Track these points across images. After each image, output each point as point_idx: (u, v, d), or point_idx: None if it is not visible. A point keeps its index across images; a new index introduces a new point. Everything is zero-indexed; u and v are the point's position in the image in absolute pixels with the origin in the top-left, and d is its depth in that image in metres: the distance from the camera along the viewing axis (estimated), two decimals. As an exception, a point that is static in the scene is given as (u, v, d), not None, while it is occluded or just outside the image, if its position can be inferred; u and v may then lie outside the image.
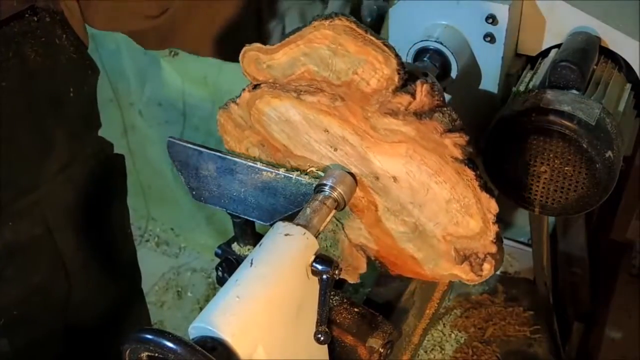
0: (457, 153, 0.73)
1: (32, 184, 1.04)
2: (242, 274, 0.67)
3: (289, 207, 0.80)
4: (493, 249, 0.77)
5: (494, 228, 0.76)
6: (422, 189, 0.76)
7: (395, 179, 0.77)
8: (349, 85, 0.74)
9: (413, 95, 0.72)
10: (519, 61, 1.08)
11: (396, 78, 0.72)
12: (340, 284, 0.92)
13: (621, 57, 1.02)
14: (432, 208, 0.77)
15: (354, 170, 0.79)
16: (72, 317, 1.19)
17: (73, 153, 1.09)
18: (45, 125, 1.03)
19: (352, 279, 0.87)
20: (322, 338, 0.71)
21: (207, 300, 2.34)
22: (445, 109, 0.74)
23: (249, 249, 0.92)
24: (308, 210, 0.74)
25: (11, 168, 0.99)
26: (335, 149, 0.79)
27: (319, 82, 0.76)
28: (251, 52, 0.80)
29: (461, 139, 0.72)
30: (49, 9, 0.99)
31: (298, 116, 0.80)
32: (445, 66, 1.02)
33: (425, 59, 1.02)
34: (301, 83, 0.78)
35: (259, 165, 0.81)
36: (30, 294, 1.10)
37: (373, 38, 0.72)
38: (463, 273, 0.80)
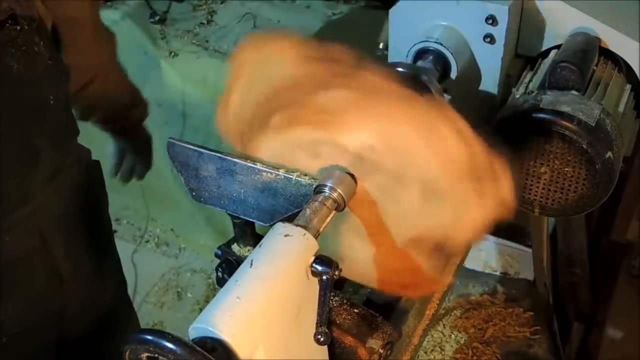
0: None
1: (24, 196, 1.03)
2: (242, 274, 0.67)
3: (289, 207, 0.80)
4: None
5: None
6: None
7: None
8: None
9: None
10: (519, 62, 1.08)
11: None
12: (340, 284, 0.92)
13: (621, 57, 1.02)
14: None
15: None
16: (67, 327, 1.19)
17: (58, 162, 1.08)
18: (32, 135, 1.02)
19: None
20: (322, 339, 0.71)
21: (207, 300, 2.35)
22: None
23: (248, 250, 0.92)
24: (308, 211, 0.74)
25: (3, 181, 0.99)
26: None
27: None
28: None
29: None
30: (27, 17, 0.98)
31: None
32: (445, 67, 1.02)
33: (425, 59, 1.02)
34: None
35: (258, 166, 0.81)
36: (31, 306, 1.10)
37: None
38: None
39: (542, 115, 0.90)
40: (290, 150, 0.79)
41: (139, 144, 1.53)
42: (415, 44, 1.03)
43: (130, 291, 2.30)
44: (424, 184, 0.75)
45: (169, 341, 0.58)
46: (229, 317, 0.62)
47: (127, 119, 1.43)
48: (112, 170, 1.55)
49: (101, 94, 1.30)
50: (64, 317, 1.17)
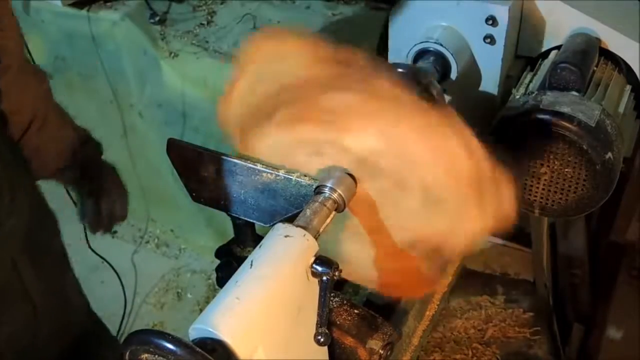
0: None
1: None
2: (242, 275, 0.67)
3: (289, 208, 0.80)
4: None
5: None
6: None
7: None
8: None
9: None
10: (519, 62, 1.08)
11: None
12: (340, 285, 0.92)
13: (621, 58, 1.02)
14: None
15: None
16: (40, 351, 1.18)
17: (17, 182, 1.07)
18: None
19: None
20: (322, 339, 0.71)
21: (207, 301, 2.35)
22: None
23: (249, 251, 0.92)
24: (308, 212, 0.74)
25: None
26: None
27: None
28: None
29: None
30: None
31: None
32: (445, 67, 1.02)
33: (425, 60, 1.02)
34: None
35: (259, 166, 0.81)
36: (10, 337, 1.09)
37: None
38: None
39: (542, 116, 0.90)
40: (292, 147, 0.79)
41: (107, 183, 1.38)
42: (415, 45, 1.03)
43: (130, 292, 2.32)
44: (425, 190, 0.75)
45: (169, 342, 0.58)
46: (229, 318, 0.62)
47: (79, 160, 1.32)
48: (90, 226, 1.38)
49: (44, 138, 1.23)
50: (38, 344, 1.15)
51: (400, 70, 0.96)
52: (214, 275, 2.00)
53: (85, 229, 2.11)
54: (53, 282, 1.20)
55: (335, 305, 0.83)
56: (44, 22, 2.23)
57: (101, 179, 1.36)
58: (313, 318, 0.71)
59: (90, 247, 2.21)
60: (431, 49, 1.01)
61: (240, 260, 0.91)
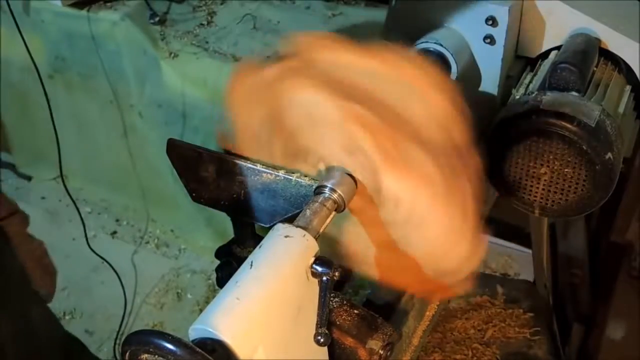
0: None
1: None
2: (242, 275, 0.67)
3: (289, 208, 0.80)
4: None
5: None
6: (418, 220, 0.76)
7: (397, 201, 0.76)
8: None
9: None
10: (519, 63, 1.08)
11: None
12: (340, 285, 0.92)
13: (621, 58, 1.02)
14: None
15: (359, 177, 0.78)
16: None
17: None
18: None
19: None
20: (321, 340, 0.71)
21: (207, 302, 2.34)
22: None
23: (248, 251, 0.92)
24: (308, 212, 0.74)
25: None
26: (350, 154, 0.77)
27: None
28: None
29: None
30: None
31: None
32: (445, 68, 1.02)
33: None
34: None
35: (258, 167, 0.81)
36: None
37: None
38: None
39: (542, 116, 0.90)
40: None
41: (30, 261, 1.33)
42: (415, 45, 1.03)
43: (130, 292, 2.32)
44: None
45: (169, 342, 0.58)
46: (229, 318, 0.62)
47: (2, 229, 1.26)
48: None
49: None
50: None
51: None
52: (214, 276, 2.00)
53: (85, 229, 2.12)
54: (13, 307, 1.18)
55: (335, 306, 0.83)
56: (44, 22, 2.23)
57: (23, 255, 1.30)
58: (313, 318, 0.71)
59: (90, 247, 2.22)
60: (431, 49, 1.01)
61: (240, 260, 0.91)
